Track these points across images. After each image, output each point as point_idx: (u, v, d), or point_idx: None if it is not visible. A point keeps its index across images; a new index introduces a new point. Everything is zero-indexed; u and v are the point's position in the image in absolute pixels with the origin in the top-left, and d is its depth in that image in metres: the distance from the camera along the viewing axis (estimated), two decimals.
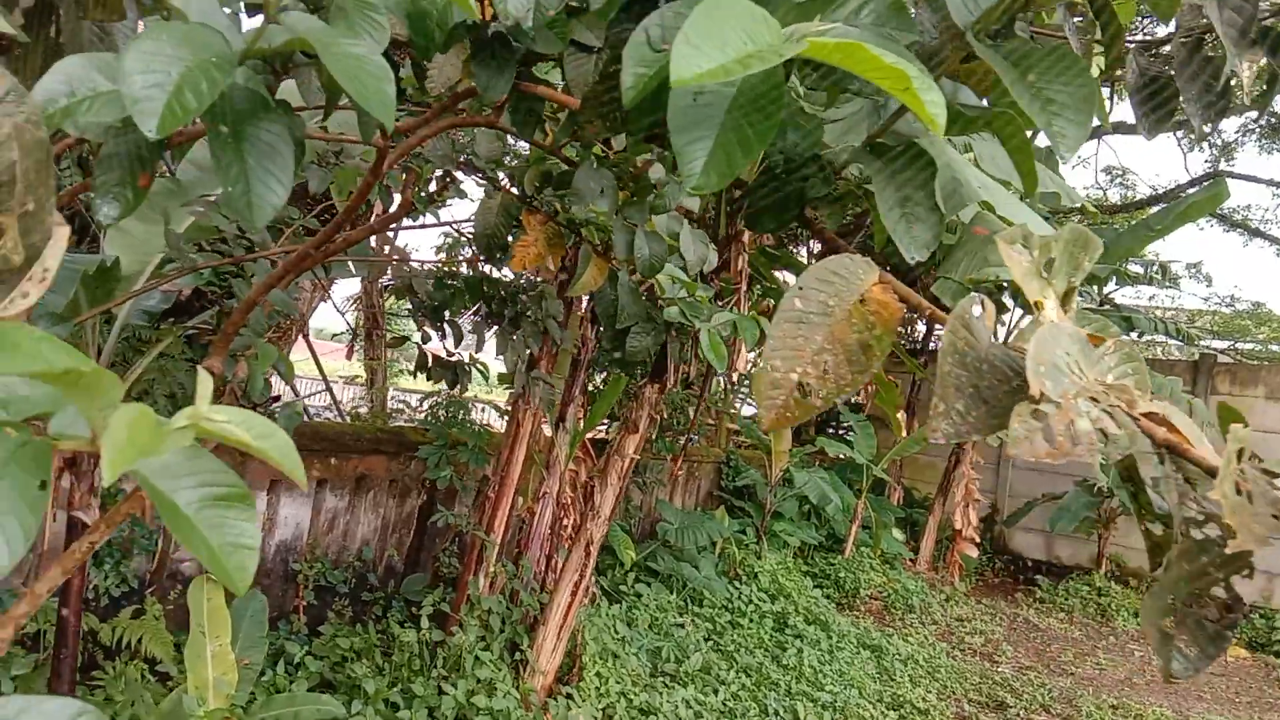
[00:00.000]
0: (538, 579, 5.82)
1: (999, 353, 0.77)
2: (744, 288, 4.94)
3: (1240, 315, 16.92)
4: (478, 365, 4.27)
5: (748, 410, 13.90)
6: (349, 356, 9.42)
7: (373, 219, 4.55)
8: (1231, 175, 14.53)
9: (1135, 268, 12.07)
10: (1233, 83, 1.24)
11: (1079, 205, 8.70)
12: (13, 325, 0.70)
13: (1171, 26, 1.39)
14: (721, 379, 10.08)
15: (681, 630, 7.09)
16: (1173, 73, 1.33)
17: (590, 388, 6.94)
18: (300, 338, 7.07)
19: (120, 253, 3.64)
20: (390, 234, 4.68)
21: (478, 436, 6.40)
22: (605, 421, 7.51)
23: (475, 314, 4.03)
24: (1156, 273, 11.99)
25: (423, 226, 5.45)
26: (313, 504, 5.86)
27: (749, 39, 0.69)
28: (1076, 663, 8.99)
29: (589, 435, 6.94)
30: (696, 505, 10.45)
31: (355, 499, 6.12)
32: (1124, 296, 13.71)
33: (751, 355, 6.00)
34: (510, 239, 2.91)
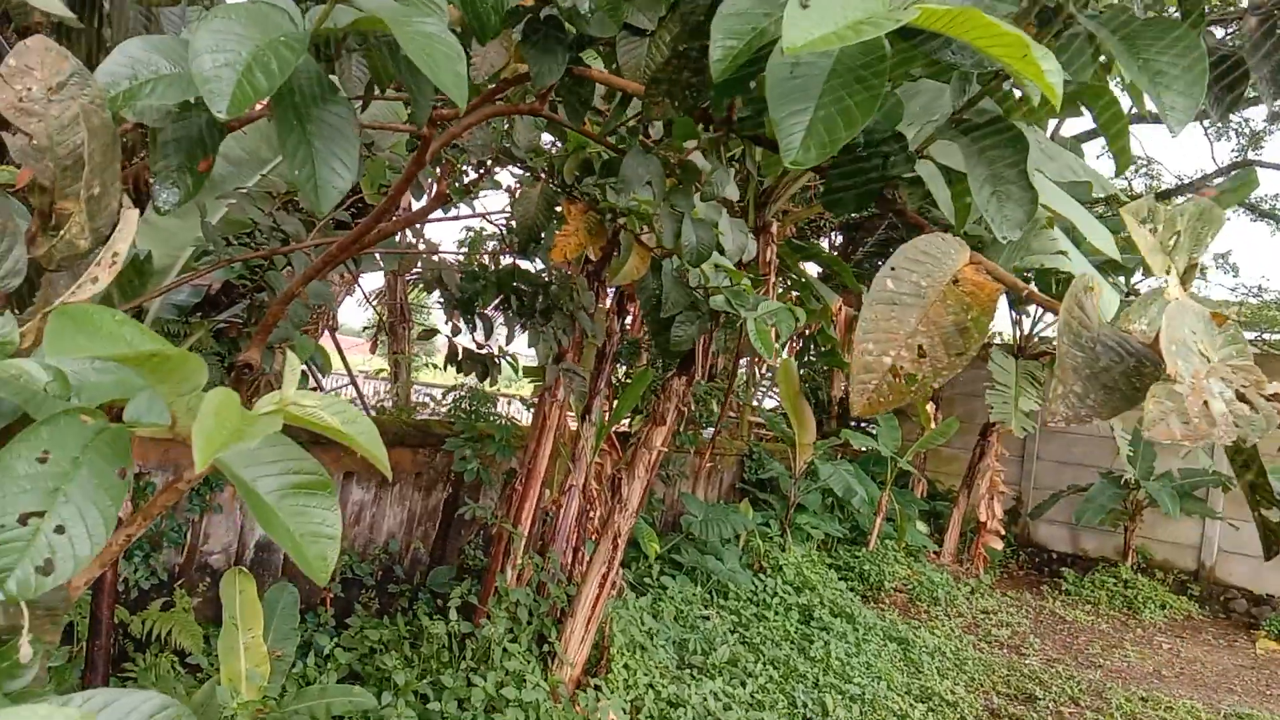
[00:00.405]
0: (564, 571, 5.81)
1: (1110, 333, 0.74)
2: (773, 279, 4.92)
3: (1268, 305, 16.73)
4: (507, 358, 4.25)
5: (769, 403, 13.87)
6: (373, 350, 9.44)
7: (398, 212, 4.53)
8: (1260, 164, 14.34)
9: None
10: None
11: (1110, 195, 8.60)
12: (95, 308, 0.68)
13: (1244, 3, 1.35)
14: (744, 372, 10.04)
15: (707, 622, 7.07)
16: (1244, 53, 1.29)
17: (614, 381, 6.93)
18: (326, 332, 7.08)
19: (151, 246, 3.64)
20: (418, 226, 4.67)
21: (503, 430, 6.40)
22: (627, 415, 7.48)
23: (505, 306, 4.01)
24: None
25: (455, 218, 5.43)
26: (339, 497, 5.87)
27: (859, 5, 0.67)
28: (1104, 655, 8.92)
29: (613, 428, 6.92)
30: (719, 498, 10.42)
31: (381, 492, 6.12)
32: (1150, 288, 13.57)
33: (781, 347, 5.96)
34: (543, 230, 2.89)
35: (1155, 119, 14.10)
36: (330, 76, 1.24)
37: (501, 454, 6.12)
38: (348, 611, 5.73)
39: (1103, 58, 1.11)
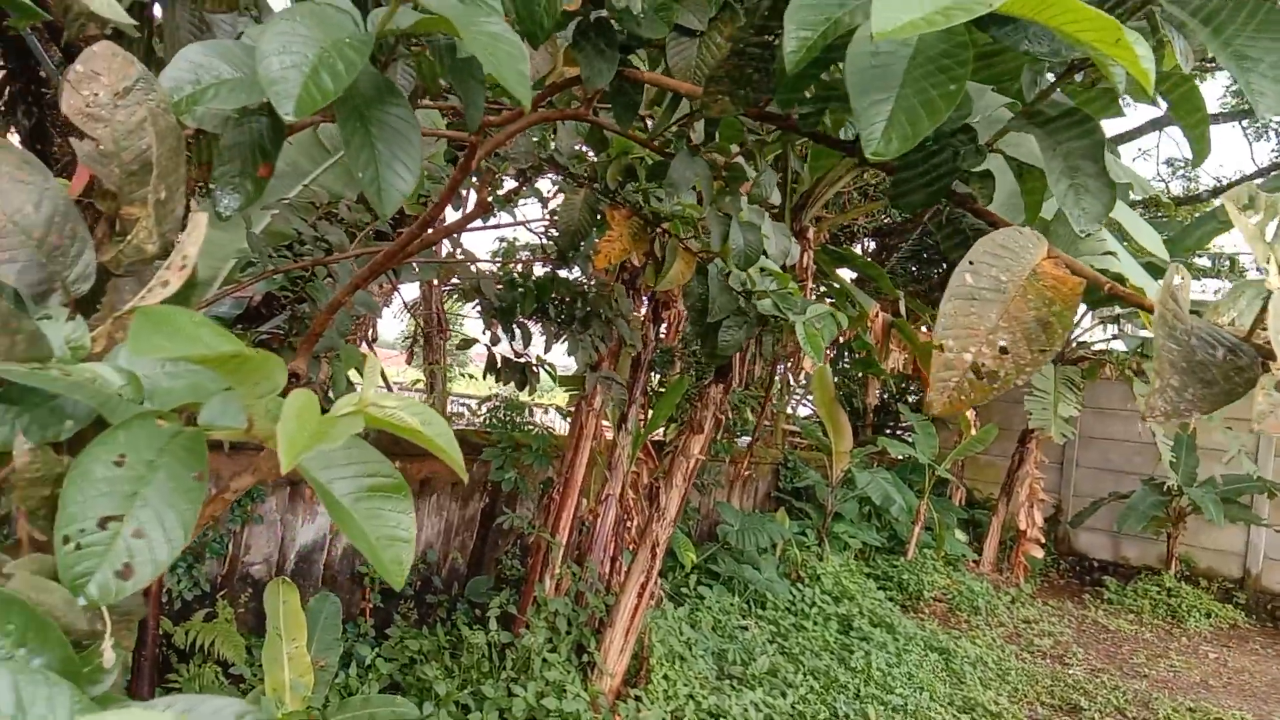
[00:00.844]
0: (602, 581, 5.80)
1: (1204, 326, 0.71)
2: (810, 285, 4.89)
3: None
4: (545, 366, 4.25)
5: (803, 411, 13.80)
6: (408, 362, 9.48)
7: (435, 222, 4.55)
8: (1253, 209, 14.03)
9: (1203, 261, 11.76)
10: None
11: (1151, 197, 8.50)
12: (174, 309, 0.68)
13: None
14: (778, 379, 9.99)
15: (746, 633, 7.02)
16: None
17: (649, 390, 6.92)
18: (364, 343, 7.13)
19: (198, 258, 3.67)
20: (455, 236, 4.69)
21: (540, 439, 6.40)
22: (663, 423, 7.45)
23: (543, 315, 4.01)
24: (1224, 265, 11.68)
25: (496, 226, 5.45)
26: None
27: None
28: (1149, 665, 8.76)
29: (649, 437, 6.91)
30: (754, 507, 10.37)
31: (419, 502, 6.14)
32: (1191, 291, 13.35)
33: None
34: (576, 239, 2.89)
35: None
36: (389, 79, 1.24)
37: (538, 463, 6.12)
38: (387, 622, 5.75)
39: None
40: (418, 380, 10.05)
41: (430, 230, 2.58)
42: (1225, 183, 15.60)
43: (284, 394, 0.78)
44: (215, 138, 1.47)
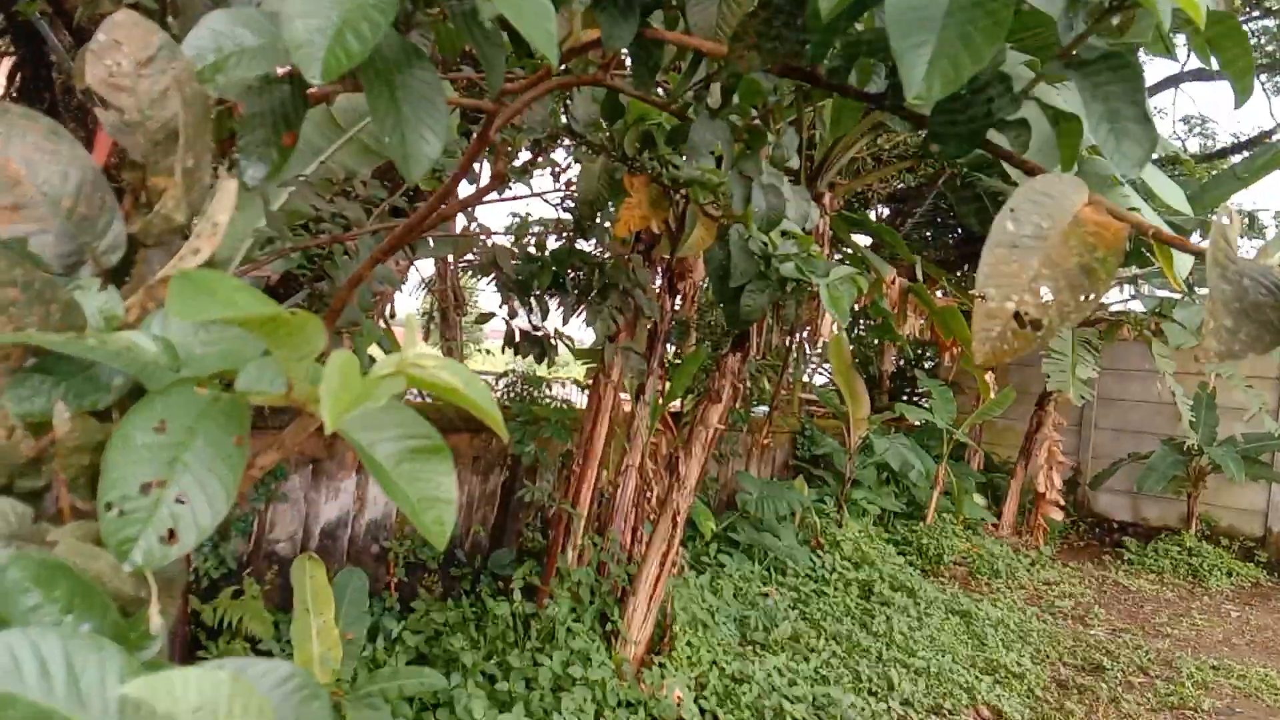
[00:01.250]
0: (624, 550, 5.82)
1: (1255, 267, 0.70)
2: (827, 250, 4.85)
3: None
4: (564, 339, 4.25)
5: (819, 379, 13.78)
6: (425, 338, 9.50)
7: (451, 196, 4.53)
8: None
9: (1220, 219, 11.62)
10: None
11: (1170, 154, 8.39)
12: (211, 273, 0.67)
13: None
14: (794, 348, 9.96)
15: (767, 599, 7.05)
16: None
17: (665, 361, 6.91)
18: (381, 321, 7.14)
19: None
20: (470, 210, 4.68)
21: (558, 412, 6.42)
22: (680, 394, 7.45)
23: (560, 288, 4.00)
24: (1244, 223, 11.55)
25: (512, 198, 5.42)
26: None
27: None
28: (1171, 624, 8.76)
29: (666, 408, 6.91)
30: (773, 476, 10.38)
31: None
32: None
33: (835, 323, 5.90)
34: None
35: (1212, 76, 13.73)
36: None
37: (558, 436, 6.14)
38: (412, 595, 5.80)
39: None
40: None
41: (448, 203, 2.57)
42: (1243, 139, 15.41)
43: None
44: (231, 113, 1.46)
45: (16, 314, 0.77)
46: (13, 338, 0.74)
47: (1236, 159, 12.74)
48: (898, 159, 9.69)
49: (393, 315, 7.67)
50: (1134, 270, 10.32)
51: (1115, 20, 0.95)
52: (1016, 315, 0.77)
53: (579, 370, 7.92)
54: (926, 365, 14.38)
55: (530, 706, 4.36)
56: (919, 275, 7.46)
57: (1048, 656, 7.27)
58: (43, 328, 0.78)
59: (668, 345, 6.55)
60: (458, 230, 4.73)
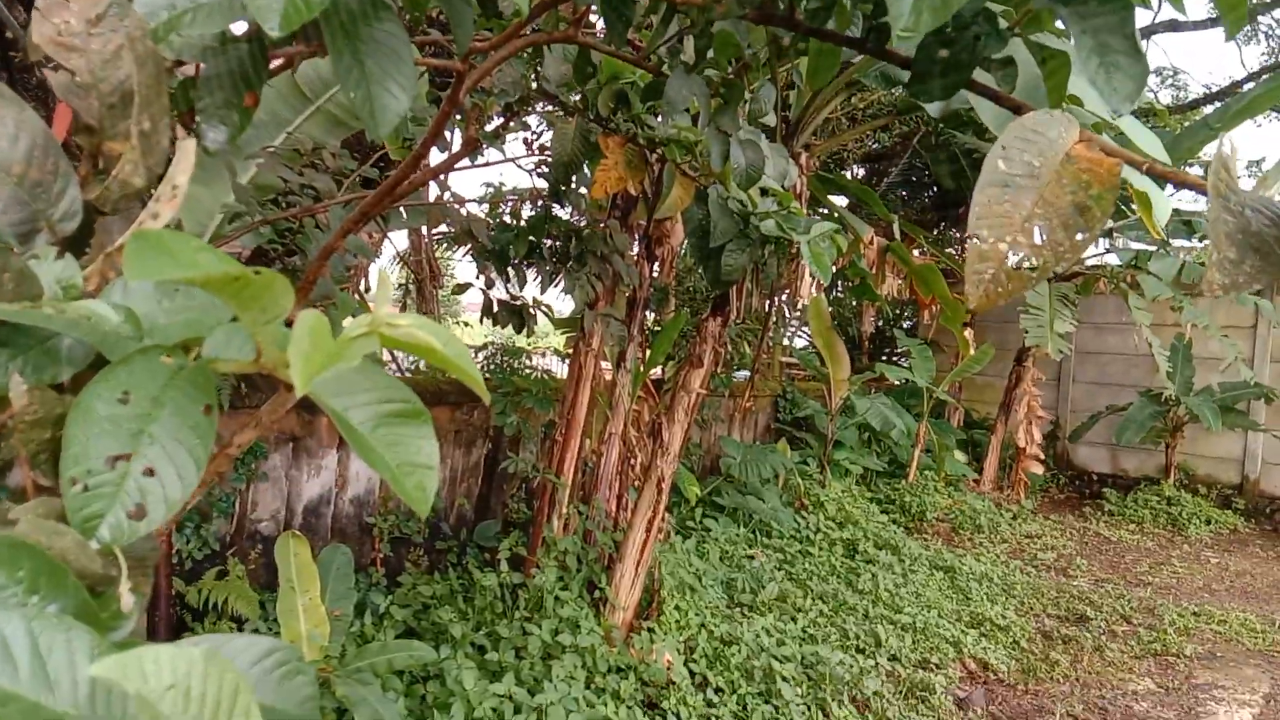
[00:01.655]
0: (609, 518, 5.82)
1: (1256, 198, 0.68)
2: (804, 211, 4.80)
3: None
4: (542, 308, 4.21)
5: (799, 342, 13.80)
6: (402, 311, 9.39)
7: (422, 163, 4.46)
8: None
9: (1194, 170, 11.67)
10: None
11: (1145, 105, 8.39)
12: (171, 233, 0.64)
13: None
14: (774, 311, 9.96)
15: (753, 562, 7.08)
16: None
17: (645, 327, 6.88)
18: (356, 296, 7.07)
19: (182, 214, 3.61)
20: (443, 179, 4.61)
21: (539, 383, 6.39)
22: (661, 360, 7.43)
23: (537, 256, 3.95)
24: None
25: (485, 164, 5.34)
26: None
27: None
28: (1152, 573, 8.88)
29: (648, 375, 6.89)
30: (756, 439, 10.41)
31: None
32: (1182, 201, 13.28)
33: (813, 284, 5.88)
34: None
35: (1185, 26, 13.71)
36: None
37: (539, 407, 6.11)
38: (399, 570, 5.79)
39: None
40: None
41: (419, 170, 2.52)
42: (1215, 90, 15.45)
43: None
44: (194, 83, 1.41)
45: None
46: None
47: (1209, 109, 12.76)
48: (872, 118, 9.65)
49: (367, 289, 7.59)
50: (1110, 223, 10.35)
51: None
52: (1010, 255, 0.75)
53: (559, 340, 7.89)
54: (905, 325, 14.43)
55: (521, 675, 4.36)
56: (896, 234, 7.44)
57: (1031, 609, 7.35)
58: None
59: (647, 311, 6.52)
60: (430, 200, 4.67)
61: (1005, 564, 8.67)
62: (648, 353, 6.85)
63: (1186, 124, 11.03)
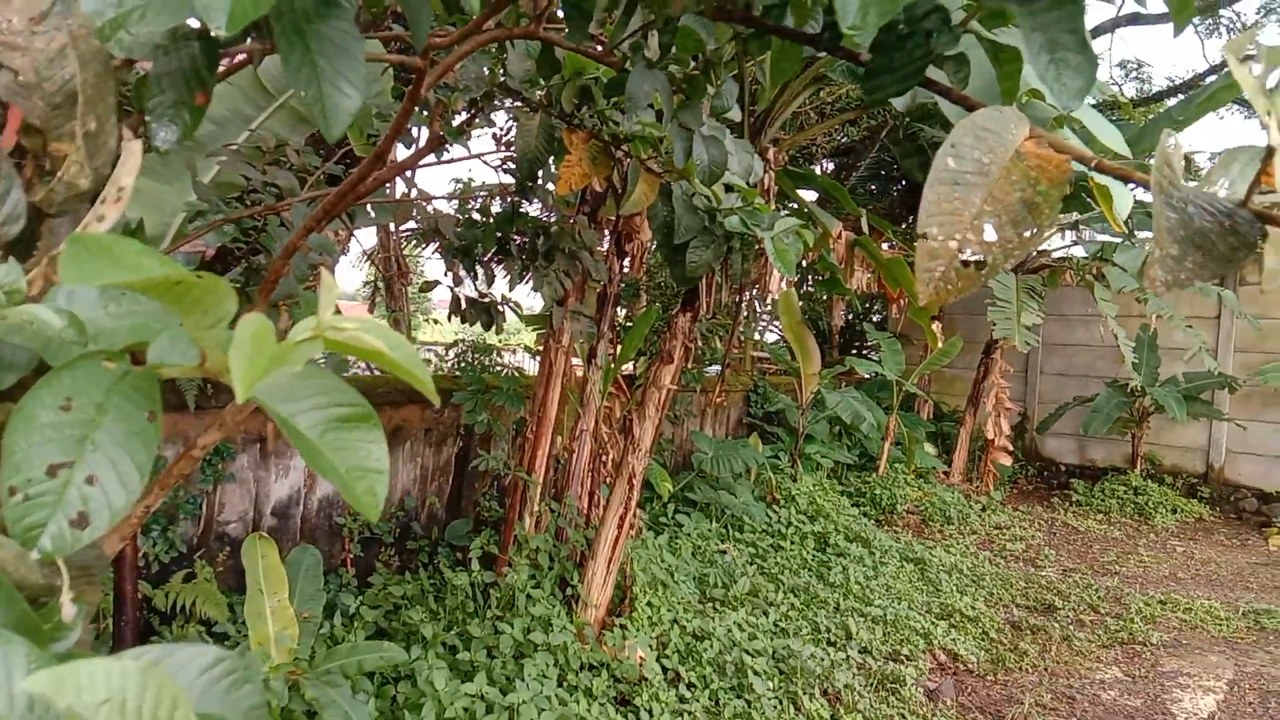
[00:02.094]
0: (581, 515, 5.81)
1: (1199, 194, 0.69)
2: (773, 206, 4.81)
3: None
4: (511, 305, 4.19)
5: (770, 336, 13.84)
6: (371, 311, 9.34)
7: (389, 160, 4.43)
8: (1255, 59, 14.10)
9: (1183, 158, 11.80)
10: None
11: (1108, 99, 8.48)
12: (111, 236, 0.63)
13: None
14: (744, 306, 9.99)
15: (725, 556, 7.11)
16: None
17: (616, 324, 6.88)
18: None
19: (143, 213, 3.56)
20: (409, 174, 4.58)
21: (510, 380, 6.37)
22: (632, 357, 7.44)
23: (505, 253, 3.93)
24: (1181, 165, 11.73)
25: (450, 161, 5.31)
26: None
27: None
28: (1120, 562, 8.99)
29: (619, 371, 6.89)
30: (728, 434, 10.44)
31: (392, 450, 6.11)
32: (1145, 193, 13.42)
33: (783, 279, 5.89)
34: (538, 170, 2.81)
35: (1147, 20, 13.86)
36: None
37: (510, 404, 6.10)
38: (369, 570, 5.75)
39: None
40: None
41: (383, 166, 2.50)
42: (1178, 82, 15.63)
43: None
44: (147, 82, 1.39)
45: None
46: None
47: (1172, 102, 12.91)
48: (840, 112, 9.69)
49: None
50: (1075, 216, 10.47)
51: None
52: (960, 253, 0.75)
53: (530, 337, 7.86)
54: (875, 318, 14.51)
55: (493, 674, 4.35)
56: (865, 228, 7.47)
57: (1000, 599, 7.43)
58: None
59: (618, 308, 6.51)
60: (397, 197, 4.63)
61: (975, 555, 8.76)
62: (619, 349, 6.85)
63: (1150, 116, 11.18)
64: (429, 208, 4.02)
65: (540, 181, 3.26)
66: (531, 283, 3.83)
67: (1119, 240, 10.23)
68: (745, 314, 10.89)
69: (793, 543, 7.96)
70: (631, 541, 5.70)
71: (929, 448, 11.75)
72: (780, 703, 4.91)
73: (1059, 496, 12.01)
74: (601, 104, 2.28)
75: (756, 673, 5.06)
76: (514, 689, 4.22)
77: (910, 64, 0.99)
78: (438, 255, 4.15)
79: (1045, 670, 5.97)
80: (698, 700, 4.80)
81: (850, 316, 14.10)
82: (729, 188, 2.51)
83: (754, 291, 8.28)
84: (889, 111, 10.36)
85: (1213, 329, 11.66)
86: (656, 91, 1.73)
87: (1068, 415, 12.39)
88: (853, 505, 9.64)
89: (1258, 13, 14.09)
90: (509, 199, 3.75)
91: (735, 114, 2.38)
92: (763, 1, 1.12)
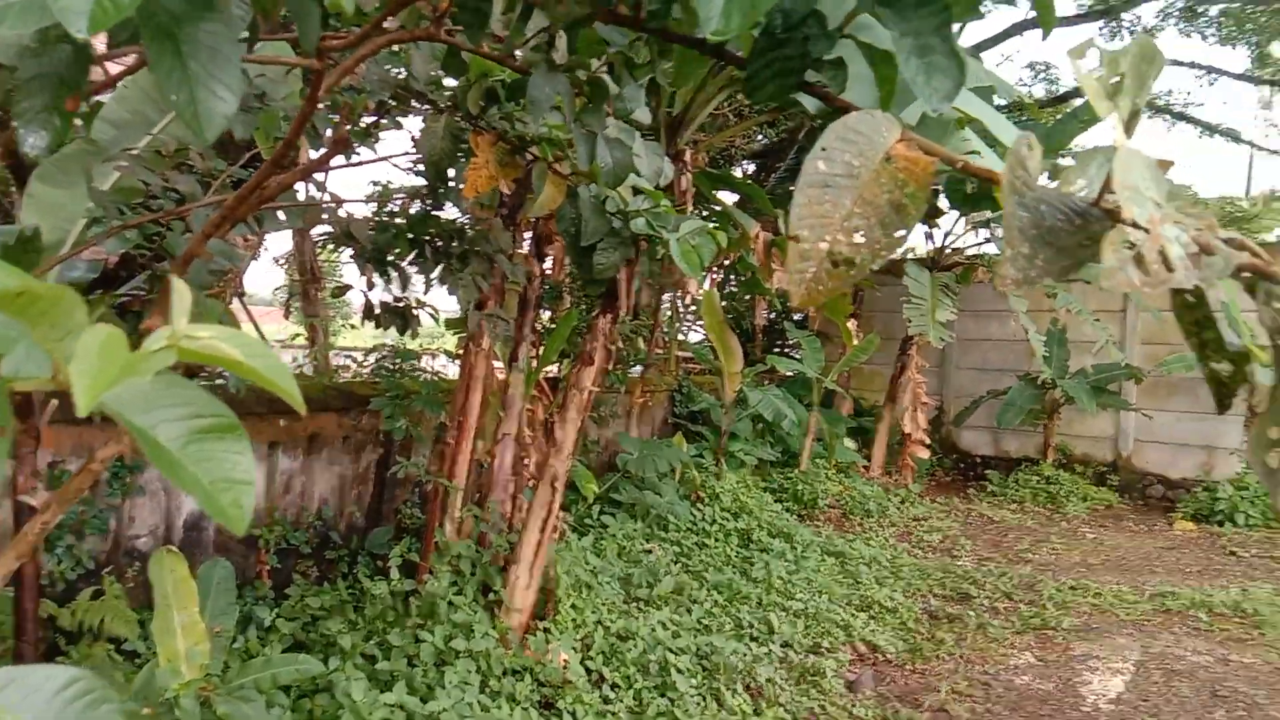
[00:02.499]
0: (505, 520, 5.77)
1: (1053, 194, 0.71)
2: (690, 207, 4.86)
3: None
4: (427, 309, 4.15)
5: (694, 336, 13.92)
6: (286, 316, 9.16)
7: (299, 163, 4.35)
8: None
9: (1067, 161, 12.18)
10: None
11: (1015, 100, 8.71)
12: None
13: None
14: (667, 307, 10.03)
15: (650, 556, 7.13)
16: None
17: (539, 326, 6.84)
18: (234, 299, 6.84)
19: (39, 220, 3.43)
20: (319, 177, 4.50)
21: (429, 385, 6.30)
22: (555, 359, 7.41)
23: (420, 256, 3.89)
24: None
25: (359, 164, 5.22)
26: (267, 468, 5.73)
27: None
28: (1033, 550, 9.25)
29: (542, 374, 6.86)
30: (653, 434, 10.47)
31: (310, 459, 5.99)
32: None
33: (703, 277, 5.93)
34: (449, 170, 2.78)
35: (1061, 21, 14.28)
36: None
37: (430, 409, 6.03)
38: (286, 582, 5.63)
39: None
40: (298, 334, 9.72)
41: (285, 170, 2.45)
42: None
43: None
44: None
45: None
46: None
47: (1079, 102, 13.33)
48: (758, 113, 9.79)
49: (243, 294, 7.36)
50: (988, 214, 10.76)
51: None
52: (830, 255, 0.76)
53: (452, 341, 7.78)
54: (796, 317, 14.69)
55: (413, 683, 4.30)
56: (783, 229, 7.57)
57: (918, 589, 7.59)
58: None
59: (540, 310, 6.49)
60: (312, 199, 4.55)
61: (893, 547, 8.94)
62: (541, 351, 6.82)
63: (1059, 116, 11.53)
64: (341, 211, 3.96)
65: (452, 184, 3.23)
66: (447, 286, 3.79)
67: None
68: (671, 315, 10.94)
69: (717, 540, 8.03)
70: (555, 544, 5.68)
71: (849, 443, 11.95)
72: (703, 699, 4.94)
73: (975, 487, 12.32)
74: (508, 106, 2.27)
75: (680, 670, 5.08)
76: (435, 697, 4.18)
77: (788, 68, 1.01)
78: (350, 262, 4.09)
79: (961, 658, 6.12)
80: (621, 701, 4.81)
81: (772, 315, 14.26)
82: (637, 190, 2.52)
83: (676, 293, 8.33)
84: (805, 113, 10.51)
85: (1119, 322, 12.06)
86: (558, 94, 1.73)
87: (982, 408, 12.70)
88: (776, 501, 9.76)
89: (1156, 16, 14.63)
90: (425, 204, 3.71)
91: (644, 115, 2.38)
92: (649, 5, 1.12)
